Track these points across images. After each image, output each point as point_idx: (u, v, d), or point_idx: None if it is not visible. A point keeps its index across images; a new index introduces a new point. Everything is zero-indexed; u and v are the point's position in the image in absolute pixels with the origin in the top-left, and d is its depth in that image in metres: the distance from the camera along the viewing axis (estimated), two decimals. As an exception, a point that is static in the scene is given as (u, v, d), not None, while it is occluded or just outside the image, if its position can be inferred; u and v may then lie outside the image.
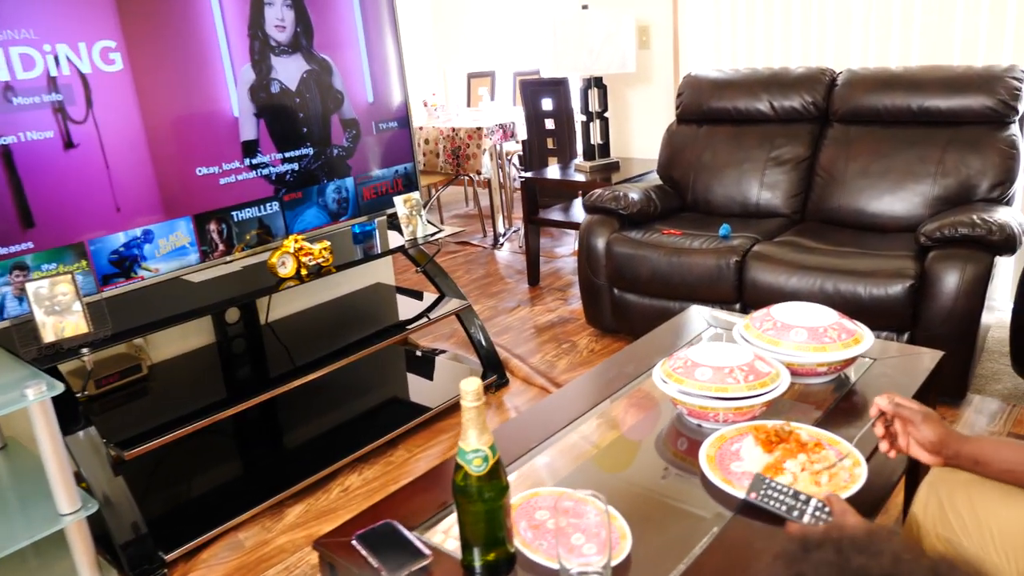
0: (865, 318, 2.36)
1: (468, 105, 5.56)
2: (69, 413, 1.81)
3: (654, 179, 3.40)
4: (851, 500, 1.19)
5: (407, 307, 2.82)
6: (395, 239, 2.68)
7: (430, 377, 2.88)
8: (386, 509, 1.30)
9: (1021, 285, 2.36)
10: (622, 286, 2.97)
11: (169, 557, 1.89)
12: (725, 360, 1.49)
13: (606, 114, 3.71)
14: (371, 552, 1.17)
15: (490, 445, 1.06)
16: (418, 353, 3.08)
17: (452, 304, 2.75)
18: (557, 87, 4.22)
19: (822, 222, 2.95)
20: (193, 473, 2.26)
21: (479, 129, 4.28)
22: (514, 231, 4.86)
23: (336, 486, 2.23)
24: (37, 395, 1.55)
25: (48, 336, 1.78)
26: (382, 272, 3.16)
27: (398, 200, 2.60)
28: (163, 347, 2.46)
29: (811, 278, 2.47)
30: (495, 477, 1.07)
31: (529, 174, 3.86)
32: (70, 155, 1.90)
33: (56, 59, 1.86)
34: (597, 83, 3.64)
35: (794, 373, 1.60)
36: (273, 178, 2.38)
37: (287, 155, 2.40)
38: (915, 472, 1.63)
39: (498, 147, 4.55)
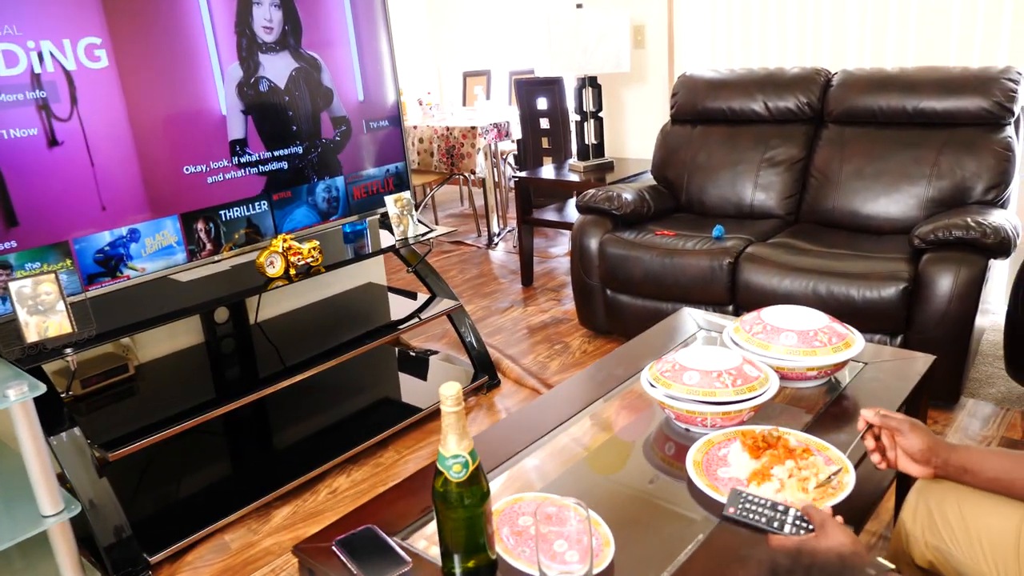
0: (858, 321, 2.35)
1: (464, 104, 5.54)
2: (53, 414, 1.79)
3: (648, 179, 3.39)
4: (839, 507, 1.17)
5: (399, 307, 2.80)
6: (386, 239, 2.66)
7: (421, 378, 2.86)
8: (368, 514, 1.29)
9: (1015, 288, 2.34)
10: (615, 287, 2.95)
11: (154, 559, 1.87)
12: (713, 364, 1.47)
13: (600, 114, 3.69)
14: (351, 558, 1.15)
15: (470, 451, 1.04)
16: (411, 354, 3.06)
17: (443, 304, 2.73)
18: (552, 86, 4.21)
19: (816, 224, 2.94)
20: (180, 474, 2.24)
21: (474, 128, 4.26)
22: (508, 231, 4.84)
23: (324, 488, 2.22)
24: (19, 396, 1.53)
25: (31, 336, 1.76)
26: (373, 272, 3.14)
27: (389, 199, 2.58)
28: (151, 347, 2.44)
29: (804, 280, 2.45)
30: (475, 483, 1.05)
31: (523, 174, 3.84)
32: (54, 153, 1.88)
33: (40, 56, 1.84)
34: (592, 82, 3.62)
35: (784, 377, 1.59)
36: (262, 176, 2.36)
37: (276, 153, 2.38)
38: (905, 478, 1.61)
39: (493, 146, 4.53)
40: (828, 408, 1.55)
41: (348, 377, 2.77)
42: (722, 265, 2.64)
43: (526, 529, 1.20)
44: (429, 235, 2.67)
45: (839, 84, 2.99)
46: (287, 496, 2.17)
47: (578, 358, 3.01)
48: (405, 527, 1.25)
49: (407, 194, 2.65)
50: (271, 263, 2.24)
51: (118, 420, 2.00)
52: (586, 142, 3.72)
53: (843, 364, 1.60)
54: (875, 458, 1.18)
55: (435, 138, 4.44)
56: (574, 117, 3.73)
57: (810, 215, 2.97)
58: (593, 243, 2.98)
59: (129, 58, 2.00)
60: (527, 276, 3.89)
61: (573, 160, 3.83)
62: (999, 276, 2.86)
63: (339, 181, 2.58)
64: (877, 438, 1.20)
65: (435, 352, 3.08)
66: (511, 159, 5.14)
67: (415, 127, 4.52)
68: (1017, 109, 2.66)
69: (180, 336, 2.50)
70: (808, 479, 1.24)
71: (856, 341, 1.60)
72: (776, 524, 1.10)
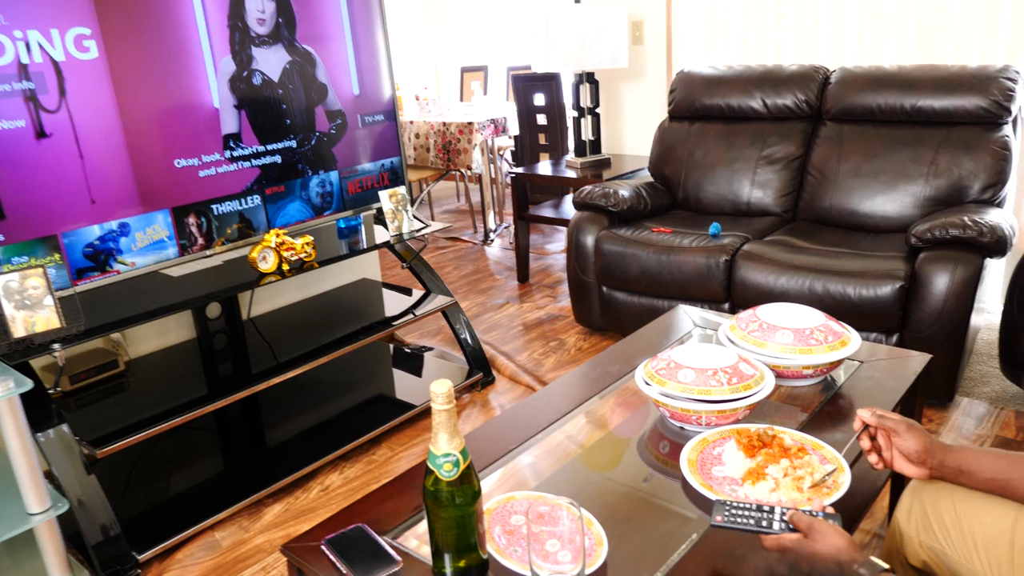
0: (854, 319, 2.35)
1: (461, 99, 5.52)
2: (40, 410, 1.77)
3: (645, 176, 3.37)
4: (835, 506, 1.16)
5: (393, 303, 2.78)
6: (381, 234, 2.64)
7: (416, 374, 2.85)
8: (358, 512, 1.27)
9: (1011, 288, 2.33)
10: (611, 284, 2.94)
11: (143, 557, 1.85)
12: (708, 362, 1.46)
13: (598, 110, 3.68)
14: (340, 558, 1.14)
15: (461, 449, 1.03)
16: (405, 350, 3.04)
17: (438, 301, 2.71)
18: (549, 82, 4.19)
19: (813, 222, 2.93)
20: (170, 471, 2.22)
21: (470, 124, 4.24)
22: (505, 227, 4.82)
23: (316, 485, 2.20)
24: (5, 392, 1.51)
25: (18, 331, 1.74)
26: (368, 268, 3.12)
27: (383, 195, 2.57)
28: (142, 342, 2.41)
29: (800, 278, 2.44)
30: (466, 482, 1.04)
31: (520, 170, 3.82)
32: (42, 145, 1.85)
33: (27, 46, 1.81)
34: (589, 78, 3.61)
35: (779, 375, 1.57)
36: (255, 171, 2.33)
37: (269, 147, 2.36)
38: (900, 477, 1.60)
39: (489, 142, 4.51)
40: (823, 407, 1.54)
41: (342, 373, 2.75)
42: (718, 263, 2.63)
43: (518, 528, 1.18)
44: (424, 231, 2.66)
45: (837, 82, 2.98)
46: (279, 493, 2.15)
47: (573, 355, 2.99)
48: (396, 526, 1.23)
49: (402, 189, 2.63)
50: (264, 258, 2.22)
51: (107, 416, 1.98)
52: (583, 138, 3.70)
53: (839, 363, 1.58)
54: (872, 458, 1.17)
55: (431, 133, 4.42)
56: (571, 113, 3.71)
57: (807, 213, 2.96)
58: (589, 240, 2.96)
59: (119, 49, 1.98)
60: (523, 273, 3.87)
61: (570, 156, 3.82)
62: (994, 275, 2.85)
63: (333, 176, 2.56)
64: (873, 438, 1.19)
65: (430, 349, 3.06)
66: (508, 155, 5.12)
67: (411, 122, 4.50)
68: (1014, 108, 2.65)
69: (171, 332, 2.48)
70: (803, 478, 1.23)
71: (852, 339, 1.59)
72: (764, 524, 1.08)
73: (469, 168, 4.40)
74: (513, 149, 4.80)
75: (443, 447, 1.02)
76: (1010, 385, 2.44)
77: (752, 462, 1.27)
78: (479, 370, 2.77)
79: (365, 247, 2.59)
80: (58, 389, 2.08)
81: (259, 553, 1.93)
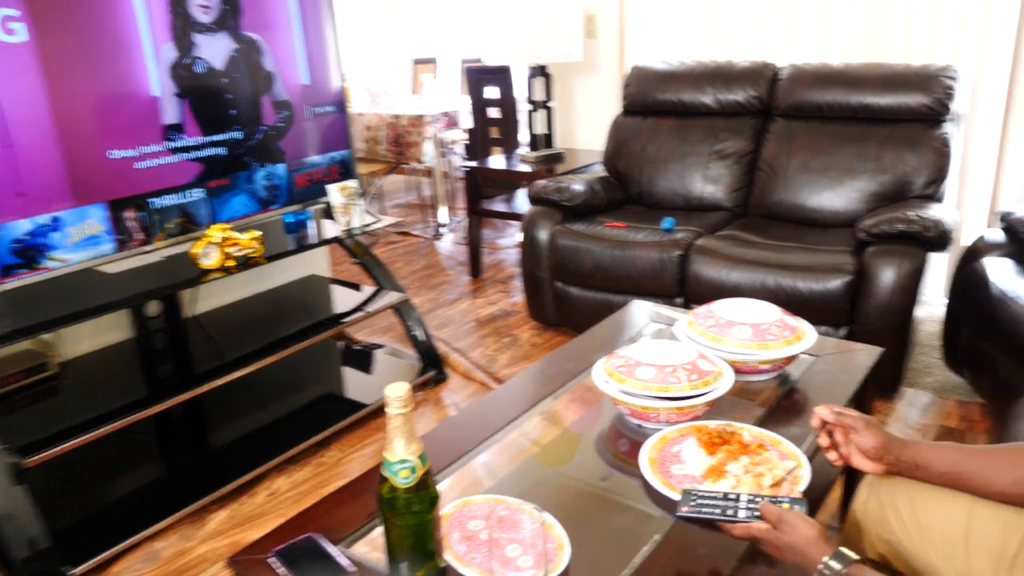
0: (805, 313, 2.35)
1: (413, 92, 5.43)
2: (-37, 416, 1.66)
3: (599, 171, 3.36)
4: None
5: (343, 300, 2.71)
6: (331, 229, 2.57)
7: (366, 373, 2.79)
8: (309, 520, 1.22)
9: (955, 281, 2.39)
10: (565, 279, 2.92)
11: (76, 572, 1.75)
12: (668, 359, 1.44)
13: (551, 104, 3.65)
14: (290, 569, 1.08)
15: (419, 455, 0.99)
16: (355, 348, 2.97)
17: (389, 297, 2.65)
18: (502, 75, 4.14)
19: (763, 216, 2.95)
20: (107, 479, 2.12)
21: (422, 116, 4.17)
22: (457, 222, 4.77)
23: (263, 490, 2.12)
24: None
25: (-61, 332, 1.63)
26: (317, 263, 3.04)
27: (333, 188, 2.49)
28: (76, 343, 2.30)
29: (753, 273, 2.46)
30: (424, 488, 1.00)
31: (473, 164, 3.78)
32: (-36, 134, 1.74)
33: (-52, 28, 1.69)
34: (543, 72, 3.58)
35: (737, 371, 1.57)
36: (198, 163, 2.24)
37: (213, 139, 2.26)
38: (853, 469, 1.62)
39: (441, 135, 4.45)
40: (780, 402, 1.54)
41: (289, 373, 2.67)
42: (672, 257, 2.63)
43: (476, 534, 1.15)
44: (376, 225, 2.59)
45: (786, 78, 3.01)
46: (224, 499, 2.07)
47: (527, 351, 2.97)
48: (349, 534, 1.18)
49: (353, 183, 2.56)
50: (207, 254, 2.13)
51: (37, 423, 1.88)
52: (536, 132, 3.68)
53: (795, 357, 1.59)
54: (831, 455, 1.16)
55: (382, 126, 4.33)
56: (525, 107, 3.68)
57: (758, 208, 2.99)
58: (543, 234, 2.94)
59: (50, 33, 1.86)
60: (475, 268, 3.83)
61: (523, 150, 3.79)
62: (933, 269, 2.92)
63: (281, 168, 2.48)
64: (831, 435, 1.19)
65: (380, 346, 3.00)
66: (460, 148, 5.06)
67: (361, 114, 4.41)
68: (954, 106, 2.71)
69: (107, 332, 2.36)
70: (763, 475, 1.22)
71: (807, 334, 1.60)
72: (731, 512, 1.08)
73: (420, 161, 4.34)
74: (466, 142, 4.74)
75: (399, 453, 0.98)
76: (952, 376, 2.51)
77: (712, 459, 1.26)
78: (432, 367, 2.72)
79: (314, 242, 2.52)
80: (-16, 394, 1.96)
81: (203, 563, 1.85)
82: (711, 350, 1.57)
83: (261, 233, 2.28)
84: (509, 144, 4.26)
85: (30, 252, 1.90)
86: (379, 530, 1.15)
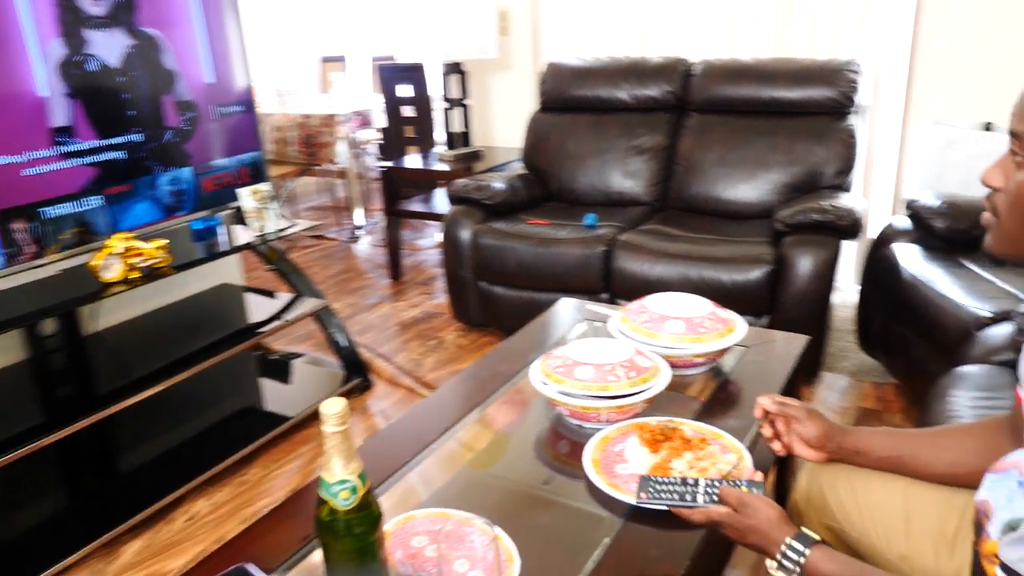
0: (727, 304, 2.37)
1: (322, 91, 5.28)
2: None
3: (519, 168, 3.34)
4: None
5: (259, 309, 2.59)
6: (242, 235, 2.44)
7: (286, 383, 2.67)
8: (238, 549, 1.13)
9: (867, 268, 2.48)
10: (489, 279, 2.88)
11: (-27, 618, 1.60)
12: (605, 357, 1.42)
13: (467, 101, 3.60)
14: (220, 605, 1.00)
15: (359, 473, 0.92)
16: (273, 358, 2.85)
17: (309, 304, 2.55)
18: (415, 73, 4.07)
19: (682, 210, 3.00)
20: (5, 515, 1.94)
21: (333, 116, 4.05)
22: (373, 223, 4.66)
23: (181, 514, 1.99)
24: None
25: None
26: (229, 271, 2.89)
27: (244, 192, 2.37)
28: (-38, 367, 2.10)
29: (676, 266, 2.48)
30: (365, 508, 0.93)
31: (388, 163, 3.69)
32: None
33: None
34: (457, 69, 3.52)
35: (671, 365, 1.56)
36: (94, 168, 2.08)
37: (110, 142, 2.11)
38: (785, 458, 1.64)
39: (354, 135, 4.33)
40: (715, 394, 1.54)
41: (204, 388, 2.52)
42: (596, 254, 2.63)
43: (421, 551, 1.09)
44: (291, 230, 2.48)
45: (699, 74, 3.06)
46: (138, 528, 1.93)
47: (454, 353, 2.91)
48: (283, 561, 1.10)
49: (266, 186, 2.44)
50: (108, 266, 1.98)
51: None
52: (453, 130, 3.62)
53: (728, 349, 1.60)
54: (776, 446, 1.17)
55: (291, 126, 4.18)
56: (441, 105, 3.61)
57: (676, 201, 3.03)
58: (465, 234, 2.89)
59: (-83, 28, 1.69)
60: (395, 270, 3.75)
61: (440, 149, 3.72)
62: (844, 256, 3.03)
63: (186, 172, 2.34)
64: (773, 424, 1.19)
65: (300, 355, 2.89)
66: (373, 148, 4.94)
67: (269, 115, 4.24)
68: (858, 99, 2.82)
69: (-1, 353, 2.17)
70: (707, 470, 1.21)
71: (739, 326, 1.61)
72: (689, 498, 1.09)
73: (333, 162, 4.21)
74: (379, 142, 4.63)
75: (338, 473, 0.91)
76: (867, 359, 2.60)
77: (656, 457, 1.25)
78: (356, 375, 2.63)
79: (225, 249, 2.39)
80: None
81: (118, 597, 1.72)
82: (646, 345, 1.56)
83: (167, 241, 2.14)
84: (425, 143, 4.19)
85: (-97, 270, 1.71)
86: (317, 555, 1.08)
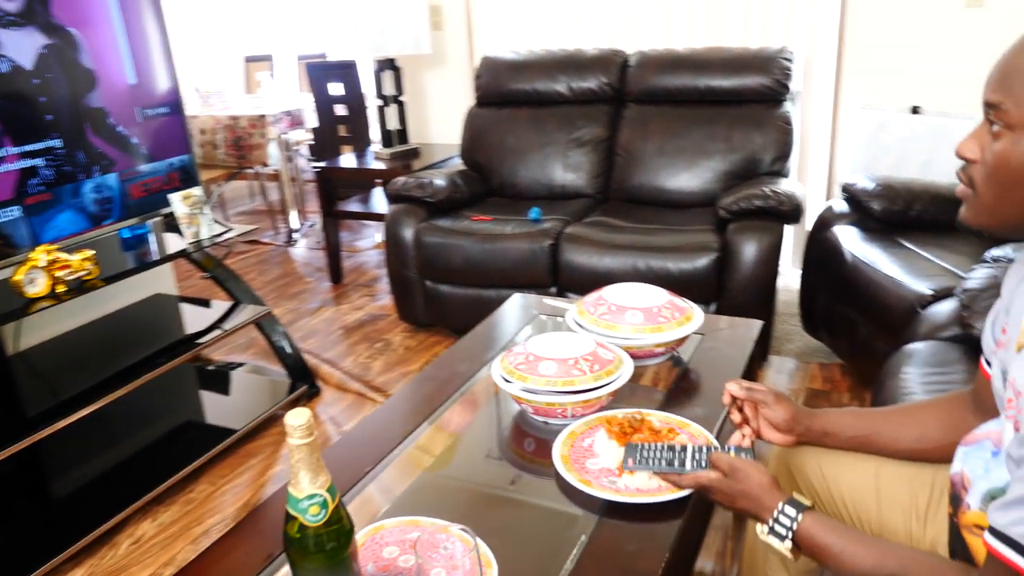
0: (676, 292, 2.42)
1: (247, 91, 5.11)
2: None
3: (458, 164, 3.29)
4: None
5: (196, 318, 2.48)
6: (174, 242, 2.33)
7: (229, 395, 2.57)
8: (198, 574, 1.06)
9: (808, 251, 2.53)
10: (434, 277, 2.83)
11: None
12: (567, 351, 1.40)
13: (402, 98, 3.53)
14: (183, 637, 0.94)
15: (328, 487, 0.87)
16: (212, 369, 2.73)
17: (249, 311, 2.45)
18: (347, 70, 3.97)
19: (625, 200, 3.01)
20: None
21: (263, 117, 3.92)
22: (309, 226, 4.54)
23: (125, 538, 1.89)
24: None
25: None
26: (162, 281, 2.76)
27: (175, 198, 2.26)
28: None
29: (624, 257, 2.48)
30: (337, 522, 0.88)
31: (323, 164, 3.59)
32: None
33: None
34: (391, 65, 3.45)
35: (632, 356, 1.55)
36: (9, 176, 1.95)
37: (26, 148, 1.98)
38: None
39: (286, 136, 4.20)
40: (677, 383, 1.54)
41: (142, 405, 2.40)
42: (543, 247, 2.61)
43: (394, 562, 1.05)
44: (227, 235, 2.38)
45: (636, 65, 3.07)
46: (79, 555, 1.82)
47: (402, 355, 2.86)
48: (247, 583, 1.04)
49: (198, 190, 2.33)
50: (31, 280, 1.86)
51: None
52: (389, 128, 3.55)
53: (687, 338, 1.60)
54: (746, 431, 1.16)
55: (219, 129, 4.03)
56: (374, 102, 3.53)
57: (619, 192, 3.04)
58: (408, 233, 2.83)
59: None
60: (336, 273, 3.65)
61: (377, 147, 3.64)
62: (785, 241, 3.10)
63: (112, 179, 2.21)
64: (741, 409, 1.19)
65: (240, 364, 2.78)
66: (305, 149, 4.81)
67: (194, 117, 4.07)
68: (792, 86, 2.88)
69: (-88, 379, 2.02)
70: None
71: (696, 314, 1.61)
72: (678, 464, 1.10)
73: (265, 165, 4.08)
74: (311, 142, 4.51)
75: (306, 488, 0.86)
76: (812, 340, 2.66)
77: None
78: (302, 382, 2.55)
79: (157, 258, 2.27)
80: None
81: (61, 633, 1.62)
82: (605, 337, 1.54)
83: (95, 252, 2.02)
84: (360, 142, 4.10)
85: None
86: (283, 572, 1.03)
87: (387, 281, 3.02)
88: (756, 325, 1.74)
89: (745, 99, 2.89)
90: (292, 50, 5.14)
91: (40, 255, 1.88)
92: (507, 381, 1.40)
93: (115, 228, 2.26)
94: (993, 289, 1.59)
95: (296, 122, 4.13)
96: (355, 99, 4.05)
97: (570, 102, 3.16)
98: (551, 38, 3.55)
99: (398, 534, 1.09)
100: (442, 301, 2.86)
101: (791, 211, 2.41)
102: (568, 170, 3.10)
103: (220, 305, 2.52)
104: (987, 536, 0.77)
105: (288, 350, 2.55)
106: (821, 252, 2.42)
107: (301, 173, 4.79)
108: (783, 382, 2.47)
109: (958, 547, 0.92)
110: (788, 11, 3.08)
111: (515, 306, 1.99)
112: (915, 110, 2.84)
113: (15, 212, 1.96)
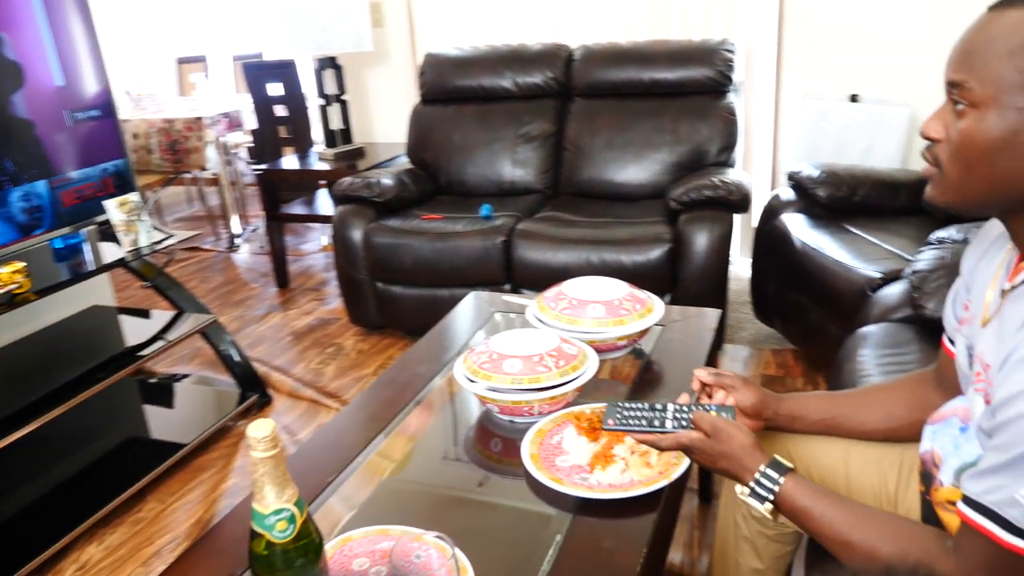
0: (631, 284, 2.43)
1: (181, 94, 4.94)
2: None
3: (405, 163, 3.24)
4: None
5: (136, 330, 2.38)
6: (111, 251, 2.22)
7: (175, 408, 2.47)
8: (154, 600, 1.01)
9: (758, 239, 2.56)
10: (385, 278, 2.77)
11: None
12: (531, 348, 1.38)
13: (345, 97, 3.46)
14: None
15: (295, 500, 0.83)
16: (155, 381, 2.62)
17: (194, 320, 2.36)
18: (286, 70, 3.87)
19: (575, 195, 3.00)
20: None
21: (199, 119, 3.79)
22: (252, 230, 4.41)
23: (70, 564, 1.79)
24: None
25: None
26: (98, 292, 2.63)
27: (111, 204, 2.16)
28: None
29: (577, 251, 2.47)
30: (306, 537, 0.84)
31: (264, 166, 3.49)
32: None
33: None
34: (332, 64, 3.37)
35: (595, 350, 1.54)
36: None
37: (-54, 156, 1.86)
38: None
39: (224, 139, 4.07)
40: (641, 375, 1.54)
41: (82, 423, 2.28)
42: (496, 244, 2.58)
43: (365, 573, 1.01)
44: (167, 242, 2.29)
45: (580, 59, 3.07)
46: (20, 586, 1.72)
47: (355, 359, 2.79)
48: (209, 606, 0.99)
49: (134, 196, 2.23)
50: (-43, 296, 1.74)
51: None
52: (332, 128, 3.47)
53: (648, 329, 1.59)
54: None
55: (152, 132, 3.88)
56: (317, 102, 3.45)
57: (568, 187, 3.03)
58: (356, 234, 2.77)
59: None
60: (282, 277, 3.56)
61: (320, 148, 3.56)
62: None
63: (41, 186, 2.10)
64: (710, 396, 1.19)
65: (186, 376, 2.68)
66: (244, 152, 4.68)
67: (126, 121, 3.91)
68: (735, 77, 2.91)
69: None
70: (648, 453, 1.19)
71: (657, 305, 1.61)
72: (658, 423, 1.07)
73: (203, 169, 3.95)
74: (251, 145, 4.39)
75: (272, 503, 0.82)
76: (763, 327, 2.70)
77: (597, 446, 1.21)
78: (253, 391, 2.47)
79: (93, 268, 2.17)
80: None
81: (4, 669, 1.52)
82: (568, 332, 1.52)
83: (25, 264, 1.91)
84: (302, 143, 4.00)
85: None
86: (248, 594, 0.98)
87: (336, 284, 2.95)
88: (714, 314, 1.75)
89: (689, 91, 2.91)
90: (227, 50, 4.99)
91: (-35, 269, 1.77)
92: (471, 381, 1.37)
93: (47, 238, 2.14)
94: (941, 270, 1.63)
95: (234, 124, 4.01)
96: (295, 99, 3.95)
97: (516, 97, 3.14)
98: (494, 33, 3.52)
99: (367, 544, 1.05)
100: (394, 302, 2.81)
101: (740, 200, 2.43)
102: (517, 166, 3.08)
103: (162, 315, 2.42)
104: (960, 505, 0.77)
105: (236, 359, 2.47)
106: (770, 240, 2.45)
107: (241, 176, 4.66)
108: (738, 369, 2.50)
109: (932, 524, 0.93)
110: (728, 2, 3.11)
111: (471, 305, 1.96)
112: (854, 98, 2.91)
113: (-65, 224, 1.84)
